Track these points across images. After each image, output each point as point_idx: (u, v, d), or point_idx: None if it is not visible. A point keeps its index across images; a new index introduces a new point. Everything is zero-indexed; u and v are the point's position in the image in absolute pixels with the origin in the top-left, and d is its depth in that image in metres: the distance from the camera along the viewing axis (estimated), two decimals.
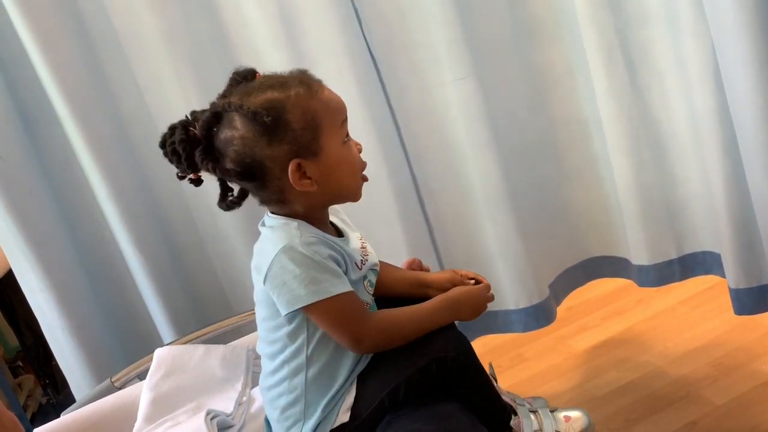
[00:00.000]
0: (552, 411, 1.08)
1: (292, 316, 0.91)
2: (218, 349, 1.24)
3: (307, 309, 0.89)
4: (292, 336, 0.93)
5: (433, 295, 1.00)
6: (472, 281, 1.05)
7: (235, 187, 0.96)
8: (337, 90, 0.97)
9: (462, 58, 1.44)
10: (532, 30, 1.49)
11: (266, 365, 0.99)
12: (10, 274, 1.49)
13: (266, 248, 0.92)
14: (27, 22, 1.32)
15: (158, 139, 1.57)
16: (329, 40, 1.41)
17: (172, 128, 0.92)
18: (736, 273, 1.39)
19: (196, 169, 0.91)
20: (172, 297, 1.51)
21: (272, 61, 1.39)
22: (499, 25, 1.48)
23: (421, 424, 0.83)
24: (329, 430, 0.92)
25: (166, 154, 0.92)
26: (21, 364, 2.33)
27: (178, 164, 0.92)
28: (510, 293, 1.61)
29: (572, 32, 1.44)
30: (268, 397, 0.99)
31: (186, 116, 0.93)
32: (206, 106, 0.92)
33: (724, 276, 1.45)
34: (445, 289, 1.02)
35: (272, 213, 0.96)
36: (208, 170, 0.90)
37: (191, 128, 0.90)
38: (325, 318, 0.90)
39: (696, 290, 1.95)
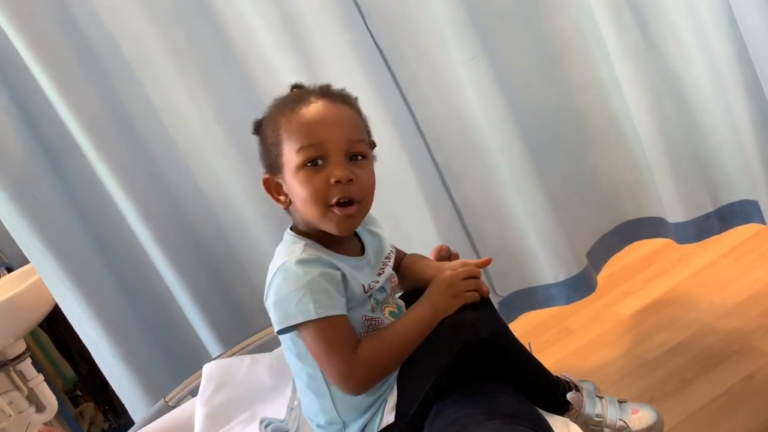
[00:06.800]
0: (621, 402, 1.02)
1: (294, 340, 0.90)
2: (264, 358, 1.26)
3: (297, 331, 0.87)
4: (302, 359, 0.91)
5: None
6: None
7: None
8: (346, 84, 0.96)
9: (469, 37, 1.42)
10: None
11: (297, 383, 0.98)
12: (57, 308, 1.53)
13: (271, 266, 0.91)
14: (39, 61, 1.34)
15: (179, 159, 1.58)
16: (333, 37, 1.40)
17: None
18: None
19: None
20: (214, 311, 1.53)
21: (281, 67, 1.40)
22: None
23: (468, 410, 0.82)
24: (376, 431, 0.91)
25: None
26: (80, 393, 2.39)
27: None
28: (548, 267, 1.59)
29: None
30: (307, 415, 0.98)
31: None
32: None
33: (764, 223, 1.41)
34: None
35: (291, 229, 0.95)
36: None
37: None
38: (312, 343, 0.86)
39: (737, 241, 1.91)
